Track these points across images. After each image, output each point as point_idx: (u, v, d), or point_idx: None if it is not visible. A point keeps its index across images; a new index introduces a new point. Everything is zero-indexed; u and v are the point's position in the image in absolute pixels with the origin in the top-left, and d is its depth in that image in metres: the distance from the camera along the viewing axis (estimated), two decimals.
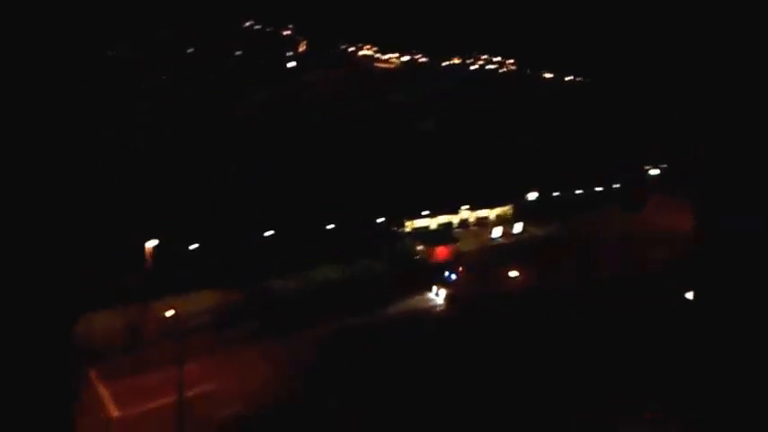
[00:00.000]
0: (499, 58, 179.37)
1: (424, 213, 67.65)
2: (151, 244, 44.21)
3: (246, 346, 43.73)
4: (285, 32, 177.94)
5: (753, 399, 41.90)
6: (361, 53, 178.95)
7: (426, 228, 67.67)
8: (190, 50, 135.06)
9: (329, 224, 61.33)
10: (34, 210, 48.42)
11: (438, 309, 52.68)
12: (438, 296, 54.69)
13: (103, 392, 38.13)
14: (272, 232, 57.71)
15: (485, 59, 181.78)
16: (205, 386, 38.51)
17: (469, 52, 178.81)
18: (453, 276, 57.08)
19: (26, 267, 44.19)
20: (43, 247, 46.95)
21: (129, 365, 40.13)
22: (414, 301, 52.70)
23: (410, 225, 66.93)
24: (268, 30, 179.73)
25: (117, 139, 73.11)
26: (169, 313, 42.21)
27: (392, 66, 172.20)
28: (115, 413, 36.52)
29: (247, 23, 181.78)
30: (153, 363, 40.04)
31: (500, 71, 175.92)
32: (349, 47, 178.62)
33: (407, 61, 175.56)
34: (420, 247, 62.97)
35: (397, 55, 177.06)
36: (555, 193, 78.95)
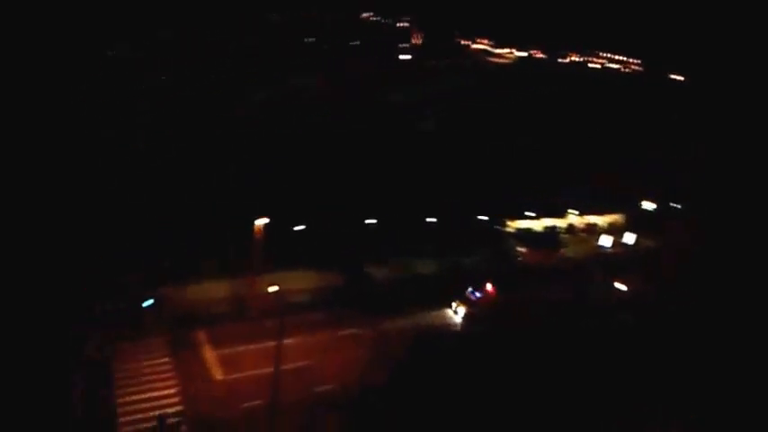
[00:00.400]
0: (623, 58, 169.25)
1: (528, 214, 65.64)
2: (261, 222, 44.74)
3: (342, 328, 45.98)
4: (402, 24, 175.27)
5: (753, 399, 41.98)
6: (474, 46, 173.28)
7: (530, 230, 65.39)
8: (309, 40, 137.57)
9: (431, 218, 61.29)
10: (34, 209, 48.29)
11: (452, 328, 49.11)
12: (456, 314, 50.18)
13: (209, 356, 41.16)
14: (374, 221, 58.62)
15: (606, 58, 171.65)
16: (301, 362, 41.16)
17: (590, 49, 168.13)
18: (478, 294, 51.07)
19: (26, 266, 44.12)
20: (41, 247, 46.83)
21: (233, 334, 43.39)
22: (428, 317, 49.60)
23: (513, 225, 64.81)
24: (385, 21, 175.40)
25: (117, 139, 73.09)
26: (273, 289, 43.77)
27: (506, 61, 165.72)
28: (218, 376, 39.34)
29: (365, 14, 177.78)
30: (255, 334, 43.06)
31: (623, 71, 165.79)
32: (464, 40, 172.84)
33: (523, 57, 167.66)
34: (521, 249, 60.70)
35: (512, 50, 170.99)
36: (674, 205, 75.09)
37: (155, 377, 38.49)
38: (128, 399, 36.25)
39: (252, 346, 42.24)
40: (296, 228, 53.88)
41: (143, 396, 36.64)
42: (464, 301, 50.72)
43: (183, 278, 48.18)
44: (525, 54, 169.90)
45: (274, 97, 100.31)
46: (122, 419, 34.65)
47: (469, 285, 51.47)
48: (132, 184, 62.32)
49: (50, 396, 35.90)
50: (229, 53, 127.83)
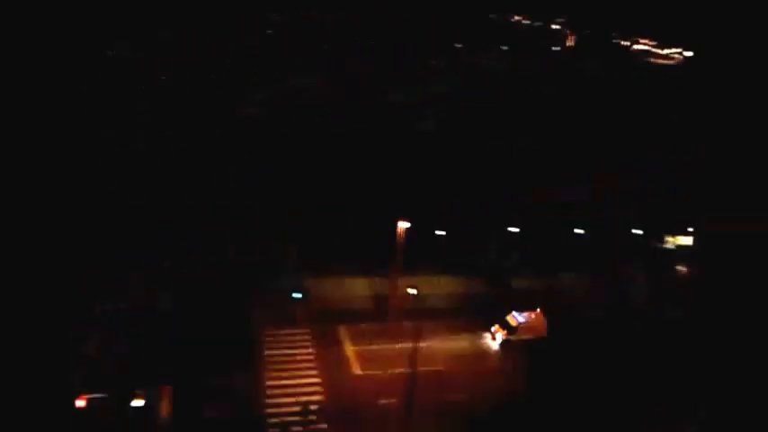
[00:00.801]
0: None
1: (690, 230, 62.54)
2: (403, 225, 45.55)
3: (478, 336, 46.91)
4: (554, 26, 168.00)
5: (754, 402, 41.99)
6: (636, 47, 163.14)
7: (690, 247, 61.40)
8: (458, 46, 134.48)
9: (580, 229, 60.19)
10: (34, 209, 48.42)
11: (487, 353, 45.64)
12: (495, 340, 46.16)
13: (349, 351, 43.79)
14: (517, 229, 58.13)
15: None
16: (435, 366, 42.67)
17: None
18: (521, 318, 46.20)
19: (26, 267, 44.18)
20: (41, 247, 46.98)
21: (372, 332, 45.87)
22: (462, 342, 46.60)
23: (673, 241, 61.64)
24: (536, 24, 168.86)
25: (117, 139, 73.12)
26: (412, 291, 45.03)
27: (672, 61, 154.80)
28: (357, 371, 41.86)
29: (516, 18, 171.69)
30: (393, 334, 45.37)
31: None
32: (623, 40, 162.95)
33: (691, 57, 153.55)
34: (680, 268, 57.79)
35: (679, 50, 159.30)
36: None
37: (300, 366, 41.47)
38: (275, 382, 39.55)
39: (389, 346, 44.25)
40: (438, 232, 55.31)
41: (288, 382, 39.78)
42: (504, 325, 46.49)
43: (326, 274, 51.14)
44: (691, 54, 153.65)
45: (274, 97, 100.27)
46: (269, 401, 37.97)
47: (515, 308, 47.80)
48: (132, 184, 62.37)
49: (50, 395, 35.89)
50: (229, 53, 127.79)
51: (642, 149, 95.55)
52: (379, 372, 41.73)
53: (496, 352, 45.47)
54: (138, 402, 35.93)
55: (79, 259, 47.80)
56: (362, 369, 42.01)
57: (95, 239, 50.73)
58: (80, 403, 35.23)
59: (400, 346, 43.93)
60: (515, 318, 46.71)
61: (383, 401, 38.90)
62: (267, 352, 42.33)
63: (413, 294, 44.76)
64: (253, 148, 77.54)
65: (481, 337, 46.52)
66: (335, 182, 70.45)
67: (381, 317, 47.14)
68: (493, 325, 47.18)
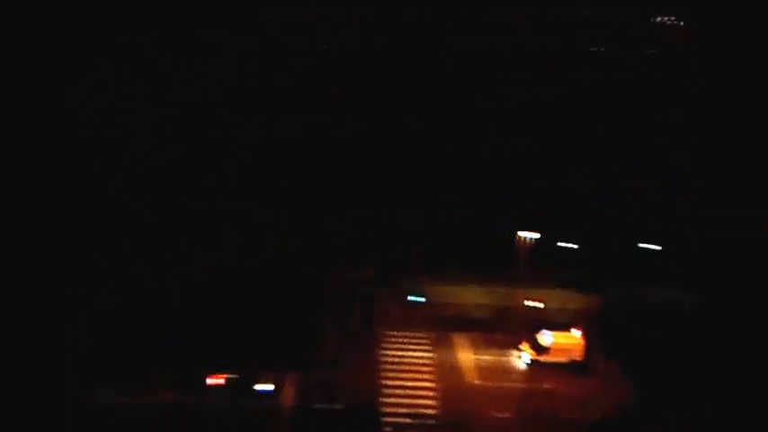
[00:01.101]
0: None
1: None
2: (530, 236, 45.45)
3: (597, 356, 45.18)
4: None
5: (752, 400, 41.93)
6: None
7: None
8: (596, 49, 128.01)
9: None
10: (34, 209, 48.44)
11: (511, 373, 43.76)
12: (521, 359, 44.33)
13: (466, 360, 43.75)
14: (658, 247, 55.72)
15: None
16: (554, 384, 41.94)
17: None
18: (551, 339, 43.53)
19: (26, 267, 44.19)
20: (41, 247, 47.02)
21: (491, 342, 45.50)
22: (490, 359, 45.00)
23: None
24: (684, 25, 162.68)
25: (117, 139, 73.01)
26: (533, 304, 45.07)
27: None
28: (473, 381, 41.82)
29: (661, 18, 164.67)
30: (512, 345, 44.73)
31: None
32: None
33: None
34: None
35: None
36: None
37: (416, 369, 41.70)
38: (390, 383, 39.98)
39: (507, 358, 44.07)
40: (565, 245, 53.96)
41: (404, 383, 40.09)
42: (534, 345, 44.30)
43: (447, 280, 51.07)
44: None
45: (275, 96, 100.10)
46: (384, 400, 38.27)
47: (544, 326, 45.68)
48: (132, 184, 62.34)
49: (49, 395, 35.91)
50: (229, 53, 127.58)
51: (642, 149, 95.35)
52: (495, 383, 41.40)
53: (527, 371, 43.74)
54: (265, 386, 36.58)
55: (79, 259, 47.79)
56: (478, 379, 41.87)
57: (95, 239, 50.72)
58: (219, 380, 36.48)
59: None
60: (545, 337, 44.33)
61: (497, 414, 38.21)
62: (385, 352, 42.71)
63: (536, 307, 44.29)
64: (253, 148, 77.48)
65: (507, 354, 45.06)
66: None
67: (501, 327, 46.50)
68: (521, 342, 45.07)
